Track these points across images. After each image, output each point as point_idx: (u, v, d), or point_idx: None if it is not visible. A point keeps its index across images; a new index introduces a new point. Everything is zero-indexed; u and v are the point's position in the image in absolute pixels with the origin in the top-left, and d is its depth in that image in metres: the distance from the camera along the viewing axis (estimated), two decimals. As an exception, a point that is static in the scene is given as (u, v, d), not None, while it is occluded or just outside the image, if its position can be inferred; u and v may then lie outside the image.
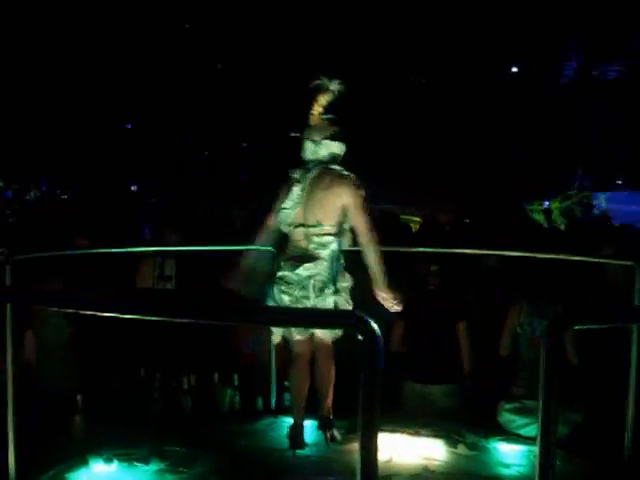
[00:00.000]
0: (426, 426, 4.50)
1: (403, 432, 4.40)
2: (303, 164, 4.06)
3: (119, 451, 3.99)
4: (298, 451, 4.03)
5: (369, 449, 1.67)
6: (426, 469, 3.92)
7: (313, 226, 3.91)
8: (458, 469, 3.93)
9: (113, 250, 4.79)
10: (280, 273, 3.94)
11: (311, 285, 3.87)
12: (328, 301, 3.88)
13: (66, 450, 3.98)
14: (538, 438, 1.76)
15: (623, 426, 3.86)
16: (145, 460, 3.92)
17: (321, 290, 3.88)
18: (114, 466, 3.87)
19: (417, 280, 5.35)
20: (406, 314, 4.51)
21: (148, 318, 2.04)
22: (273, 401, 4.75)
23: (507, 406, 4.63)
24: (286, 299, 3.91)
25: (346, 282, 4.01)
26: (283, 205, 3.96)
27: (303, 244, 3.96)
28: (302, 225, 3.95)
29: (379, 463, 3.87)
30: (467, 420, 4.61)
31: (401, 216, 10.31)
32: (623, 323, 3.11)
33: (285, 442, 4.15)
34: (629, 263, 3.76)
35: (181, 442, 4.11)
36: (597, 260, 4.72)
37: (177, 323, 3.81)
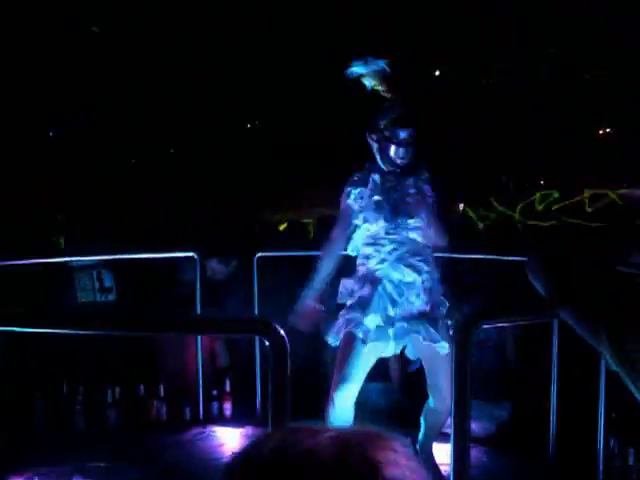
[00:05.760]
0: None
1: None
2: None
3: (41, 469, 3.86)
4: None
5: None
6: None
7: None
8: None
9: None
10: None
11: None
12: None
13: (-16, 471, 3.82)
14: (452, 434, 1.76)
15: (548, 421, 3.94)
16: (68, 477, 3.79)
17: None
18: (35, 485, 3.74)
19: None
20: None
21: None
22: (201, 411, 4.67)
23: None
24: None
25: None
26: None
27: None
28: None
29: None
30: (398, 420, 4.60)
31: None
32: (530, 319, 3.16)
33: (214, 452, 4.08)
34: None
35: (106, 457, 4.00)
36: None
37: (99, 335, 3.71)
